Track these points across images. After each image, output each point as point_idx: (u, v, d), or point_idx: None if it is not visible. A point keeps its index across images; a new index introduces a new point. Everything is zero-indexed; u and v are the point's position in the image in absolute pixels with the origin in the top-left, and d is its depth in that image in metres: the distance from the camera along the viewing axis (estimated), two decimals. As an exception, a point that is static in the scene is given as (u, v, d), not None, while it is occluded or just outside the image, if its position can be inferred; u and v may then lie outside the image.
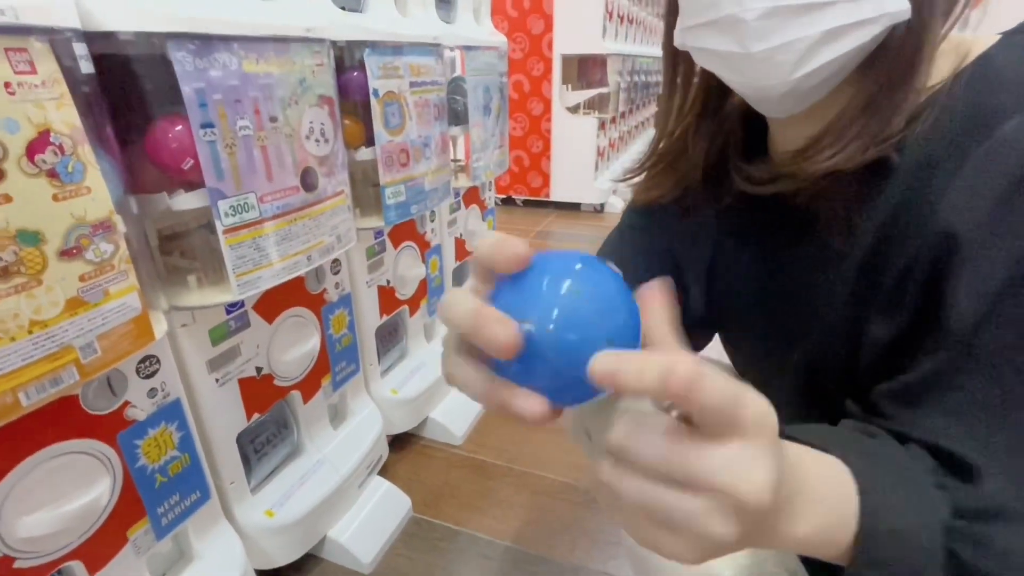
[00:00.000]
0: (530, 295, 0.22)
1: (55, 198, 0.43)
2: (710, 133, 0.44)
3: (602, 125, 2.71)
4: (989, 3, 1.92)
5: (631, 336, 0.22)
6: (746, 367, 0.52)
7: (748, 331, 0.49)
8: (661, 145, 0.47)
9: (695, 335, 0.53)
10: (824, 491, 0.25)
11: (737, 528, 0.20)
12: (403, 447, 1.12)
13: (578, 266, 0.22)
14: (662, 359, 0.19)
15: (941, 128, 0.32)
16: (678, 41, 0.39)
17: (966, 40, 0.35)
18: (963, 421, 0.29)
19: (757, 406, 0.20)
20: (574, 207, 2.87)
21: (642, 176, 0.49)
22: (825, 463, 0.26)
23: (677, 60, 0.42)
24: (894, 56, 0.32)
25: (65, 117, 0.43)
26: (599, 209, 2.86)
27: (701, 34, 0.36)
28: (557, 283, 0.21)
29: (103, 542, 0.56)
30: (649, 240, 0.51)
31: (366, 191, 0.92)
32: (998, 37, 0.34)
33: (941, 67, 0.33)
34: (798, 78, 0.33)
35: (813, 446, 0.26)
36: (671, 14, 0.40)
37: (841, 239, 0.38)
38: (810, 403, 0.44)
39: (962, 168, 0.30)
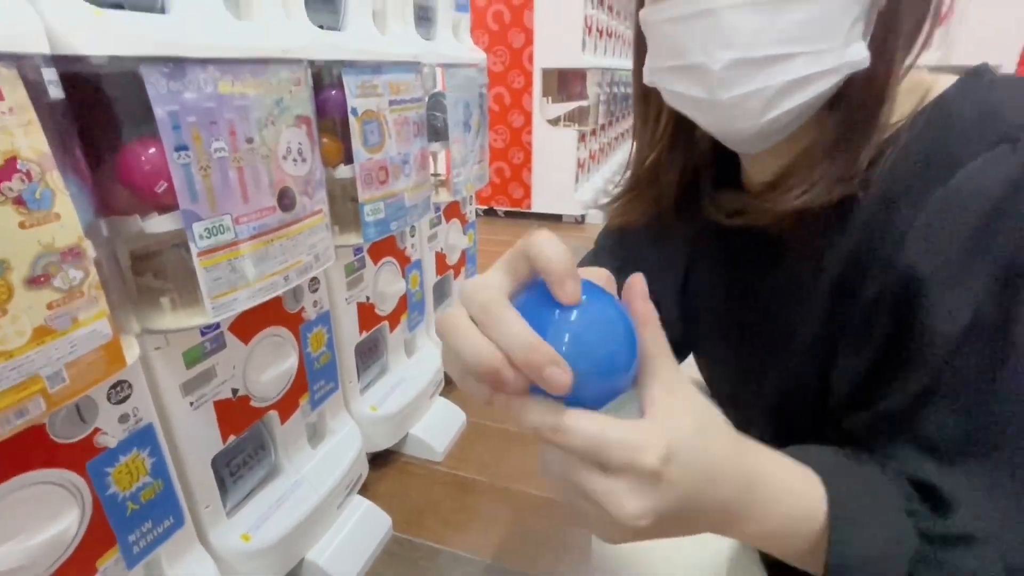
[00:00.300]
0: (559, 325, 0.23)
1: (22, 226, 0.42)
2: (681, 162, 0.45)
3: (582, 137, 2.74)
4: (951, 24, 2.00)
5: (630, 358, 0.24)
6: (720, 388, 0.53)
7: (720, 355, 0.50)
8: (633, 174, 0.48)
9: None
10: (785, 498, 0.27)
11: (629, 533, 0.24)
12: (384, 464, 1.11)
13: (597, 302, 0.24)
14: (554, 420, 0.23)
15: (901, 167, 0.34)
16: (647, 79, 0.40)
17: (926, 79, 0.36)
18: (935, 455, 0.30)
19: (621, 452, 0.22)
20: (555, 218, 2.89)
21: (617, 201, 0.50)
22: (793, 473, 0.28)
23: (647, 93, 0.43)
24: (857, 98, 0.33)
25: (33, 143, 0.42)
26: (580, 220, 2.88)
27: (670, 77, 0.37)
28: (581, 319, 0.23)
29: (71, 574, 0.55)
30: (621, 262, 0.52)
31: (345, 207, 0.92)
32: (956, 78, 0.36)
33: (902, 105, 0.35)
34: (764, 122, 0.34)
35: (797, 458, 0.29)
36: (640, 50, 0.41)
37: (809, 271, 0.39)
38: (783, 427, 0.45)
39: (923, 209, 0.32)
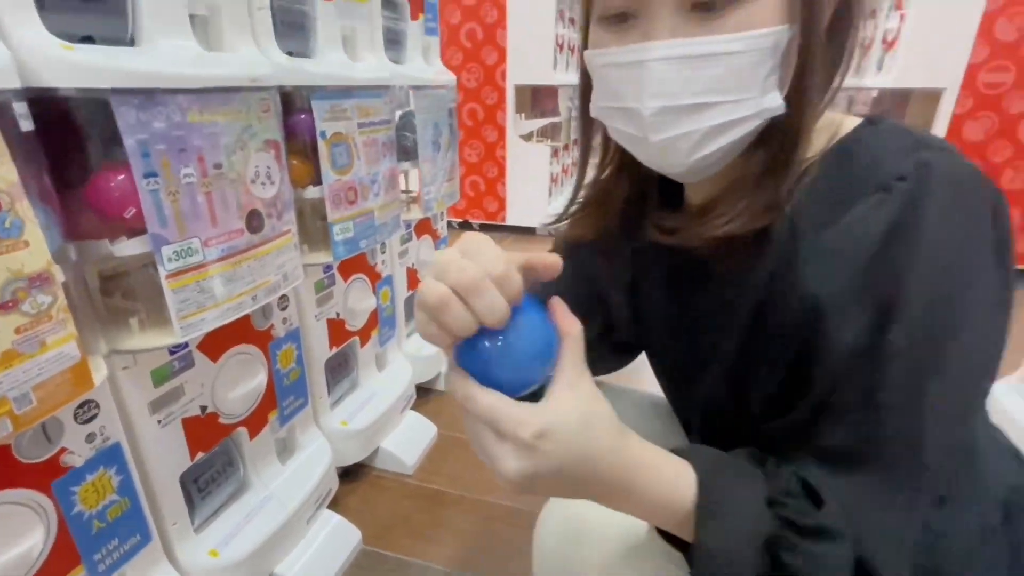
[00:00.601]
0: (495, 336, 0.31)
1: (-9, 253, 0.44)
2: (628, 184, 0.49)
3: (555, 152, 2.80)
4: (898, 48, 2.11)
5: (543, 362, 0.32)
6: (666, 389, 0.57)
7: (661, 361, 0.55)
8: (582, 194, 0.52)
9: (623, 352, 0.59)
10: (660, 479, 0.34)
11: (515, 486, 0.31)
12: (354, 478, 1.13)
13: (528, 316, 0.31)
14: (467, 392, 0.31)
15: (808, 202, 0.38)
16: (593, 113, 0.43)
17: (836, 120, 0.41)
18: (825, 461, 0.35)
19: (507, 423, 0.30)
20: (529, 231, 2.94)
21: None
22: (670, 461, 0.35)
23: (594, 123, 0.47)
24: (777, 139, 0.38)
25: (3, 174, 0.44)
26: (553, 233, 2.93)
27: (610, 115, 0.41)
28: (511, 327, 0.31)
29: (35, 593, 0.55)
30: (573, 269, 0.55)
31: (314, 225, 0.94)
32: (860, 120, 0.40)
33: (816, 142, 0.39)
34: (692, 161, 0.38)
35: (680, 453, 0.35)
36: (585, 84, 0.45)
37: (733, 293, 0.43)
38: (713, 430, 0.49)
39: (823, 240, 0.36)
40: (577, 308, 0.35)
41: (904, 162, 0.34)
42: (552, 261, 0.33)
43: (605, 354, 0.59)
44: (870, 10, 0.39)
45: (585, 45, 0.42)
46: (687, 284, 0.48)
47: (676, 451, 0.35)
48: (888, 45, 2.18)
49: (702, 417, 0.50)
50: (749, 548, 0.32)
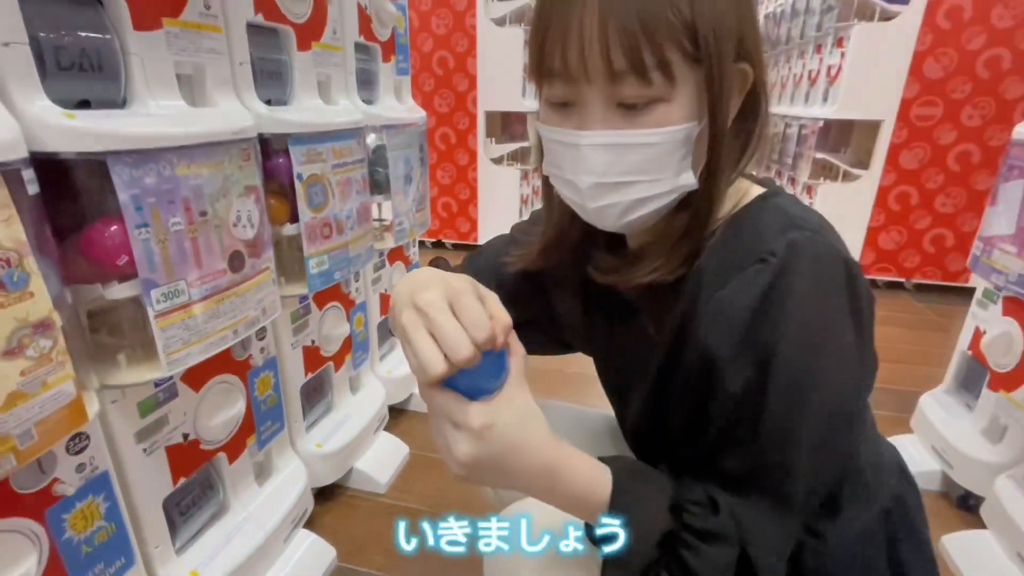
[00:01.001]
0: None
1: (0, 306, 0.49)
2: (580, 226, 0.54)
3: (525, 175, 2.89)
4: (840, 82, 2.28)
5: (496, 378, 0.40)
6: (609, 399, 0.65)
7: (605, 380, 0.63)
8: (544, 237, 0.58)
9: (562, 345, 0.68)
10: (580, 479, 0.42)
11: (462, 468, 0.39)
12: (329, 498, 1.17)
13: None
14: (432, 391, 0.39)
15: (710, 260, 0.46)
16: (545, 171, 0.50)
17: (742, 188, 0.49)
18: (725, 480, 0.43)
19: (460, 414, 0.38)
20: (501, 250, 3.01)
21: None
22: (592, 466, 0.42)
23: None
24: (694, 208, 0.46)
25: (12, 234, 0.50)
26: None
27: (556, 180, 0.49)
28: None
29: (28, 615, 0.59)
30: (531, 289, 0.62)
31: (291, 256, 0.99)
32: (759, 191, 0.48)
33: (726, 207, 0.47)
34: (622, 224, 0.46)
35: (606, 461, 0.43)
36: (540, 146, 0.51)
37: (654, 329, 0.51)
38: (645, 448, 0.57)
39: (716, 300, 0.43)
40: (519, 296, 0.45)
41: (778, 240, 0.41)
42: (505, 324, 0.39)
43: (543, 341, 0.67)
44: (767, 110, 0.47)
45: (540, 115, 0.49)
46: (621, 316, 0.56)
47: (601, 458, 0.43)
48: (832, 79, 2.35)
49: (632, 437, 0.58)
50: (648, 543, 0.40)
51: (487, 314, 0.37)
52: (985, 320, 1.17)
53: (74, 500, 0.63)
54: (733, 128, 0.45)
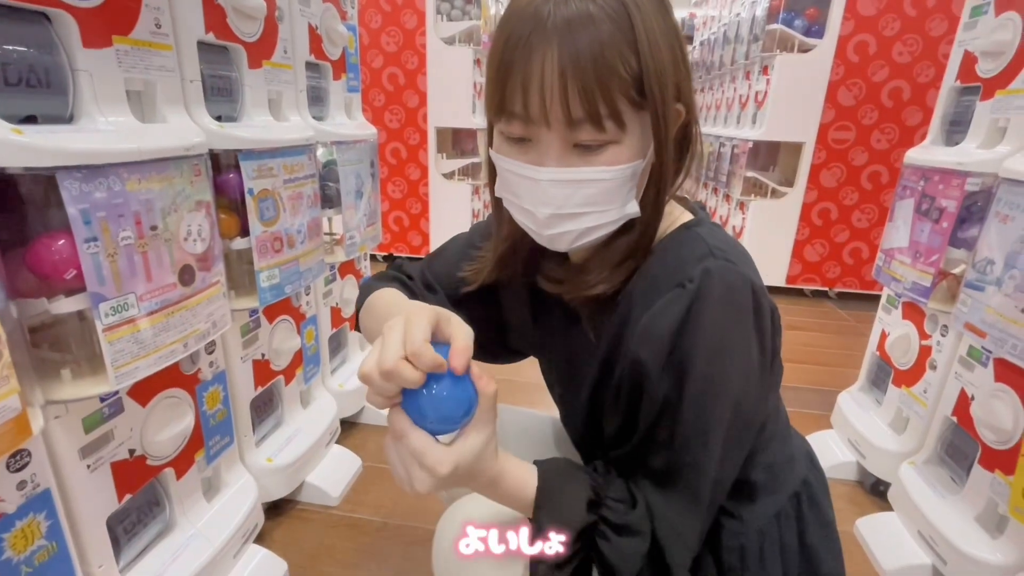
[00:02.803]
0: (429, 389, 0.40)
1: (-54, 319, 0.49)
2: (530, 241, 0.58)
3: (476, 190, 2.95)
4: (767, 107, 2.46)
5: (462, 416, 0.42)
6: (556, 403, 0.70)
7: (548, 380, 0.68)
8: (494, 253, 0.62)
9: (515, 354, 0.73)
10: (514, 483, 0.48)
11: (418, 493, 0.41)
12: (280, 512, 1.16)
13: (454, 380, 0.41)
14: (403, 430, 0.41)
15: (639, 281, 0.52)
16: (498, 193, 0.54)
17: (674, 213, 0.55)
18: (649, 478, 0.49)
19: (430, 461, 0.40)
20: (453, 264, 3.04)
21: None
22: (524, 471, 0.48)
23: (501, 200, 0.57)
24: (638, 229, 0.51)
25: (-41, 248, 0.50)
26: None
27: (511, 206, 0.53)
28: (440, 389, 0.41)
29: (-37, 639, 0.58)
30: (485, 304, 0.67)
31: (241, 270, 1.00)
32: (682, 221, 0.54)
33: (662, 228, 0.53)
34: (573, 248, 0.52)
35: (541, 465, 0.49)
36: (492, 170, 0.55)
37: (592, 341, 0.56)
38: (587, 447, 0.62)
39: (645, 319, 0.49)
40: (475, 306, 0.54)
41: (694, 268, 0.47)
42: (462, 347, 0.41)
43: (497, 350, 0.72)
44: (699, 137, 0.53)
45: (490, 141, 0.53)
46: (565, 323, 0.61)
47: (536, 461, 0.49)
48: (759, 103, 2.54)
49: (577, 440, 0.63)
50: (567, 530, 0.46)
51: (446, 336, 0.41)
52: (889, 323, 1.31)
53: (14, 519, 0.62)
54: (673, 157, 0.51)
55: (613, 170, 0.46)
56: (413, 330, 0.39)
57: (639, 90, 0.44)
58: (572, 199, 0.48)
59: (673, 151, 0.50)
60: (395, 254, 3.07)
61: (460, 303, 0.66)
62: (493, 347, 0.71)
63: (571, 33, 0.42)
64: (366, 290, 0.66)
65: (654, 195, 0.50)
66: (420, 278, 0.68)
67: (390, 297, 0.61)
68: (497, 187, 0.54)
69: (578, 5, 0.42)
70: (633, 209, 0.49)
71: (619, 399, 0.52)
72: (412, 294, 0.65)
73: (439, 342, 0.41)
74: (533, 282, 0.62)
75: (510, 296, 0.67)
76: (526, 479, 0.48)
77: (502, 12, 0.49)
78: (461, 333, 0.41)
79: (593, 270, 0.53)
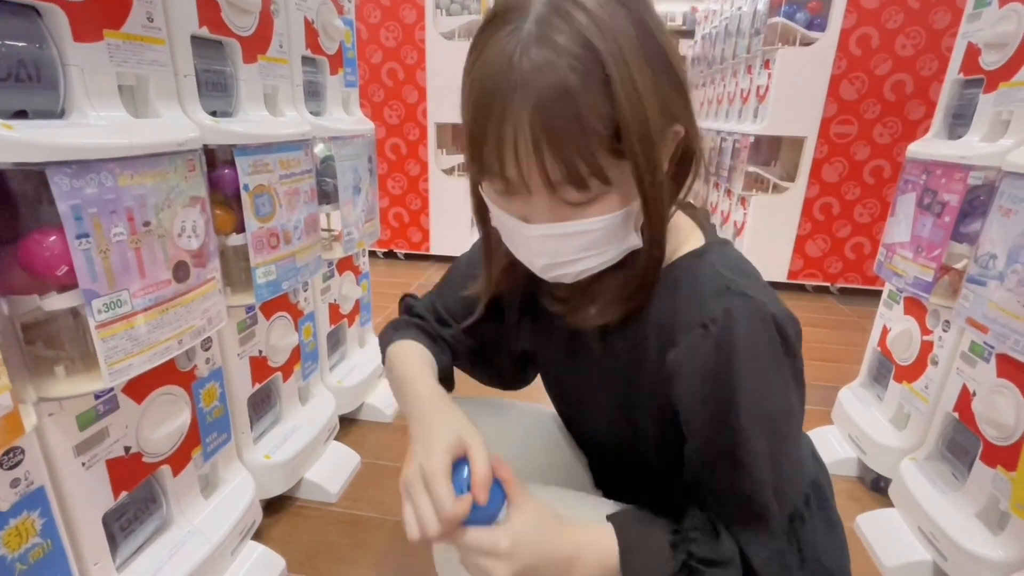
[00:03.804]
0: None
1: (-65, 316, 0.48)
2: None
3: (476, 185, 2.94)
4: (768, 101, 2.45)
5: (498, 509, 0.47)
6: (562, 416, 0.70)
7: (553, 394, 0.68)
8: (497, 265, 0.61)
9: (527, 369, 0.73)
10: (595, 555, 0.47)
11: (505, 567, 0.43)
12: (278, 509, 1.16)
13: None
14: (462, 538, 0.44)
15: (652, 311, 0.51)
16: (495, 223, 0.52)
17: (682, 229, 0.52)
18: (714, 505, 0.49)
19: (491, 548, 0.43)
20: (452, 260, 3.04)
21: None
22: (599, 537, 0.48)
23: (490, 232, 0.56)
24: (641, 259, 0.49)
25: (-53, 244, 0.49)
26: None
27: (511, 247, 0.51)
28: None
29: (-43, 637, 0.58)
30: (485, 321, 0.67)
31: (238, 266, 0.99)
32: (695, 237, 0.52)
33: (670, 248, 0.50)
34: (575, 282, 0.50)
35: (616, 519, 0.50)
36: (480, 203, 0.54)
37: (599, 351, 0.56)
38: (602, 463, 0.62)
39: (671, 358, 0.48)
40: (483, 324, 0.55)
41: (715, 305, 0.46)
42: (483, 480, 0.46)
43: (516, 376, 0.73)
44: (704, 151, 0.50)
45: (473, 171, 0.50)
46: (564, 341, 0.61)
47: (609, 518, 0.49)
48: (761, 98, 2.52)
49: (596, 449, 0.64)
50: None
51: (464, 449, 0.46)
52: (890, 318, 1.30)
53: (7, 516, 0.62)
54: (670, 171, 0.48)
55: (605, 219, 0.45)
56: (438, 490, 0.44)
57: (617, 138, 0.41)
58: (566, 249, 0.46)
59: (668, 183, 0.47)
60: (395, 250, 3.07)
61: (473, 331, 0.67)
62: (510, 373, 0.72)
63: (540, 94, 0.38)
64: (385, 340, 0.69)
65: (658, 234, 0.48)
66: (433, 314, 0.70)
67: (408, 367, 0.62)
68: (492, 220, 0.52)
69: (544, 56, 0.38)
70: (634, 242, 0.48)
71: (654, 419, 0.53)
72: (430, 337, 0.67)
73: (462, 459, 0.47)
74: (535, 297, 0.61)
75: (513, 311, 0.66)
76: (603, 545, 0.48)
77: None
78: (478, 453, 0.46)
79: (598, 300, 0.52)
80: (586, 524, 0.49)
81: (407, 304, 0.73)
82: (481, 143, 0.43)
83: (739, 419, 0.45)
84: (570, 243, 0.46)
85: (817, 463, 0.63)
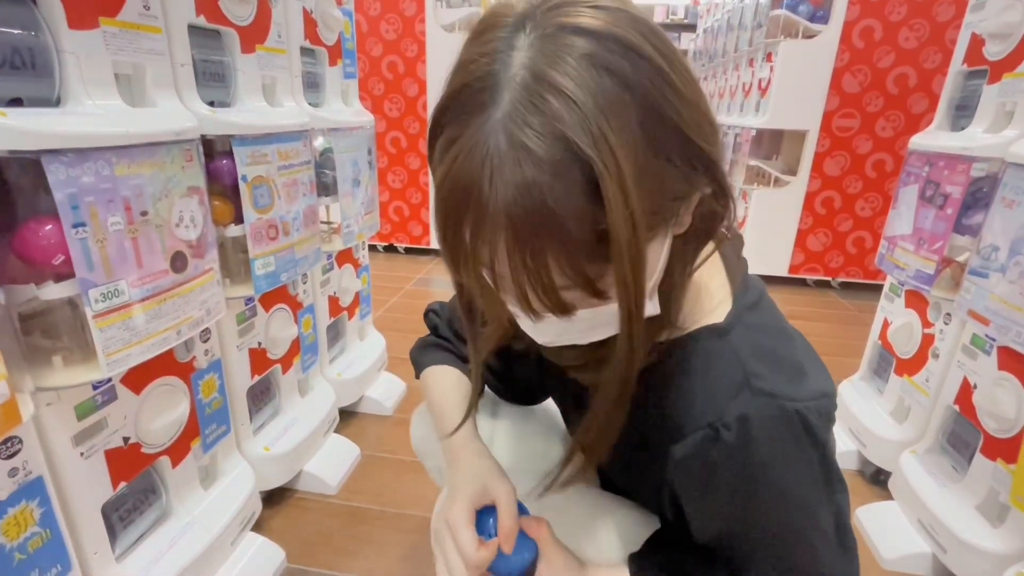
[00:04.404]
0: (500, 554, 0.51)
1: (-70, 304, 0.48)
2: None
3: (476, 179, 2.93)
4: (770, 94, 2.43)
5: (528, 562, 0.51)
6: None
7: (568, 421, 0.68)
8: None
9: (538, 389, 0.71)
10: None
11: None
12: (278, 501, 1.16)
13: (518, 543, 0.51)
14: None
15: (661, 378, 0.45)
16: None
17: (709, 288, 0.46)
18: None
19: None
20: (454, 254, 3.03)
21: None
22: None
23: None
24: (655, 322, 0.43)
25: (-58, 232, 0.49)
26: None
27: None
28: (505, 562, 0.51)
29: (-44, 625, 0.58)
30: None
31: (236, 258, 0.99)
32: (719, 301, 0.45)
33: (688, 307, 0.45)
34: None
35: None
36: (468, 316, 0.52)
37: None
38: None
39: (676, 451, 0.44)
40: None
41: (727, 405, 0.41)
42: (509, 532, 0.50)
43: (536, 392, 0.72)
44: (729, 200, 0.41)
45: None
46: (574, 392, 0.58)
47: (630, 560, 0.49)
48: (763, 91, 2.51)
49: (603, 472, 0.64)
50: None
51: (491, 498, 0.50)
52: (892, 312, 1.29)
53: (6, 505, 0.62)
54: (691, 228, 0.40)
55: (607, 308, 0.37)
56: (461, 538, 0.48)
57: (603, 240, 0.33)
58: (569, 331, 0.40)
59: (681, 247, 0.41)
60: (395, 244, 3.06)
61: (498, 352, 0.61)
62: (532, 392, 0.72)
63: (517, 221, 0.31)
64: (417, 362, 0.72)
65: (675, 301, 0.43)
66: (452, 332, 0.71)
67: (439, 397, 0.65)
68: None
69: (520, 174, 0.31)
70: (653, 310, 0.41)
71: (645, 488, 0.54)
72: (457, 357, 0.70)
73: (488, 507, 0.51)
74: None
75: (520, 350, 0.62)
76: None
77: None
78: (504, 503, 0.50)
79: (609, 361, 0.43)
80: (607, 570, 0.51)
81: (432, 324, 0.74)
82: (456, 265, 0.37)
83: (767, 543, 0.44)
84: (575, 327, 0.39)
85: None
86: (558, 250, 0.32)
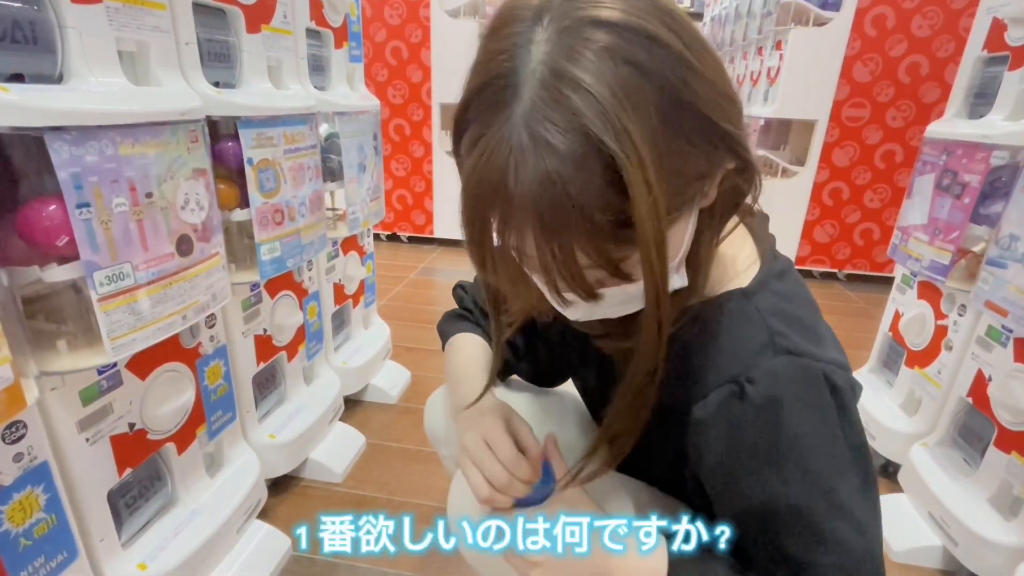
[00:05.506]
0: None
1: (-69, 284, 0.47)
2: None
3: (480, 168, 2.90)
4: (779, 83, 2.40)
5: (548, 491, 0.52)
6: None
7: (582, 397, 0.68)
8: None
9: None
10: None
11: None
12: (283, 489, 1.16)
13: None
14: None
15: (686, 349, 0.44)
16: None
17: (737, 259, 0.46)
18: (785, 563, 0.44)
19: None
20: (457, 243, 3.02)
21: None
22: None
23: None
24: (681, 295, 0.43)
25: (-57, 210, 0.47)
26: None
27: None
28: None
29: (-38, 611, 0.57)
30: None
31: (242, 244, 0.98)
32: (747, 269, 0.46)
33: (715, 275, 0.45)
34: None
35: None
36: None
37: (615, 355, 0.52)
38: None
39: (697, 412, 0.43)
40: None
41: (752, 363, 0.41)
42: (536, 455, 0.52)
43: (555, 374, 0.72)
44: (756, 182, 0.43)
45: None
46: (604, 368, 0.58)
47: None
48: (772, 80, 2.48)
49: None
50: None
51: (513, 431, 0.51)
52: (903, 303, 1.28)
53: (11, 491, 0.61)
54: (717, 205, 0.41)
55: (636, 285, 0.37)
56: (503, 447, 0.49)
57: (628, 224, 0.34)
58: (601, 307, 0.41)
59: (709, 219, 0.42)
60: (399, 232, 3.04)
61: (523, 329, 0.63)
62: (552, 372, 0.71)
63: (543, 213, 0.33)
64: (443, 332, 0.73)
65: (702, 271, 0.43)
66: (480, 311, 0.71)
67: (466, 357, 0.66)
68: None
69: (543, 168, 0.32)
70: (681, 282, 0.42)
71: (660, 459, 0.52)
72: (484, 331, 0.70)
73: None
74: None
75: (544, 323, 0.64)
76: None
77: None
78: (526, 432, 0.52)
79: (635, 334, 0.42)
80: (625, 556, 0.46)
81: (459, 297, 0.75)
82: (481, 262, 0.39)
83: (794, 508, 0.41)
84: (604, 305, 0.40)
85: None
86: (584, 239, 0.34)
